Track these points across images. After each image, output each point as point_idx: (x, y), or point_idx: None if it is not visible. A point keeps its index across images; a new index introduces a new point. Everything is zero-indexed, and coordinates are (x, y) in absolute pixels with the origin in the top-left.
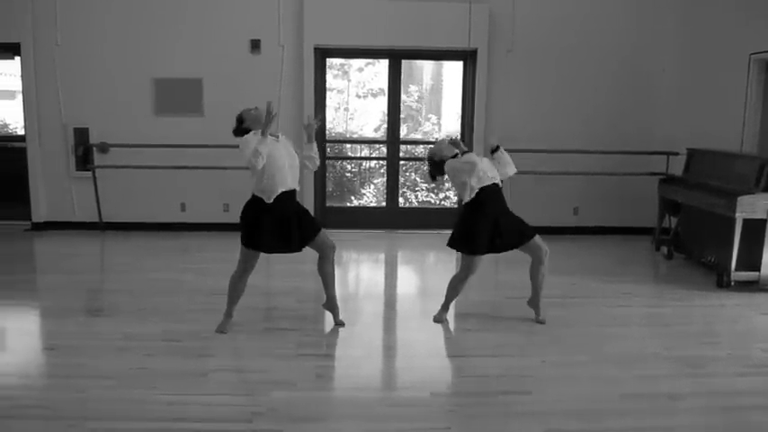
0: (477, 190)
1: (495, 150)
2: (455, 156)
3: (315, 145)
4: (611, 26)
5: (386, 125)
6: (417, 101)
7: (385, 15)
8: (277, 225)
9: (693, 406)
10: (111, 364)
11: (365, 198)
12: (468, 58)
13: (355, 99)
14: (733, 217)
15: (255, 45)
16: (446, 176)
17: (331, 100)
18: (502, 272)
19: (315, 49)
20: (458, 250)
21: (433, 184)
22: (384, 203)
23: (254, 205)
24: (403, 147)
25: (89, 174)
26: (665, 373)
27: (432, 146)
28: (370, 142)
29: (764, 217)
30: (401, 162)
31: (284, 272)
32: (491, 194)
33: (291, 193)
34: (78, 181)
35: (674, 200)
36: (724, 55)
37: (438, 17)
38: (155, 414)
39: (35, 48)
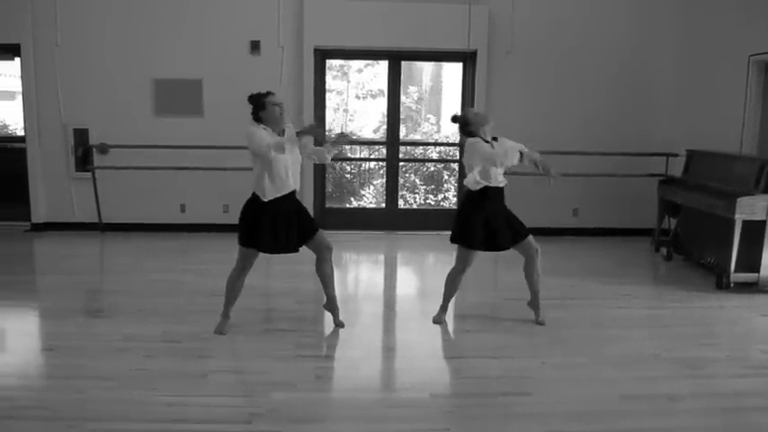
0: (482, 185)
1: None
2: (484, 136)
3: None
4: (611, 28)
5: (385, 126)
6: (417, 101)
7: (384, 17)
8: (275, 224)
9: (693, 407)
10: (110, 365)
11: (365, 199)
12: (467, 59)
13: (355, 100)
14: (732, 218)
15: (255, 46)
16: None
17: (330, 101)
18: (501, 273)
19: (314, 50)
20: (453, 242)
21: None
22: (383, 205)
23: (254, 204)
24: (402, 148)
25: (89, 174)
26: (664, 374)
27: (470, 112)
28: (369, 143)
29: (764, 218)
30: (401, 163)
31: (283, 273)
32: (494, 194)
33: (291, 193)
34: (78, 182)
35: (674, 201)
36: (723, 56)
37: (437, 18)
38: (154, 415)
39: (35, 48)
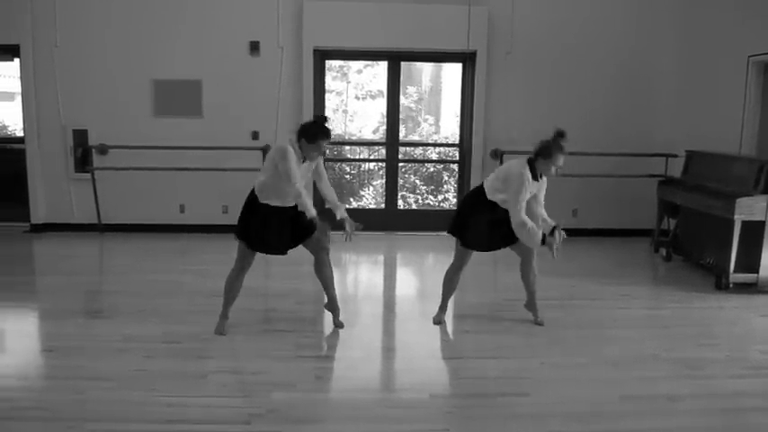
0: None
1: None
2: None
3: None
4: (610, 28)
5: (385, 127)
6: (417, 102)
7: (384, 17)
8: (265, 225)
9: (692, 407)
10: (110, 365)
11: (364, 200)
12: (467, 60)
13: (354, 101)
14: (731, 219)
15: (255, 47)
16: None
17: (330, 102)
18: (500, 274)
19: (314, 50)
20: (452, 234)
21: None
22: (383, 205)
23: (252, 201)
24: (402, 148)
25: (88, 175)
26: (663, 374)
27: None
28: (369, 144)
29: (763, 219)
30: (400, 164)
31: (283, 274)
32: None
33: (287, 207)
34: (77, 182)
35: (673, 202)
36: (722, 57)
37: (437, 19)
38: (154, 416)
39: (34, 49)
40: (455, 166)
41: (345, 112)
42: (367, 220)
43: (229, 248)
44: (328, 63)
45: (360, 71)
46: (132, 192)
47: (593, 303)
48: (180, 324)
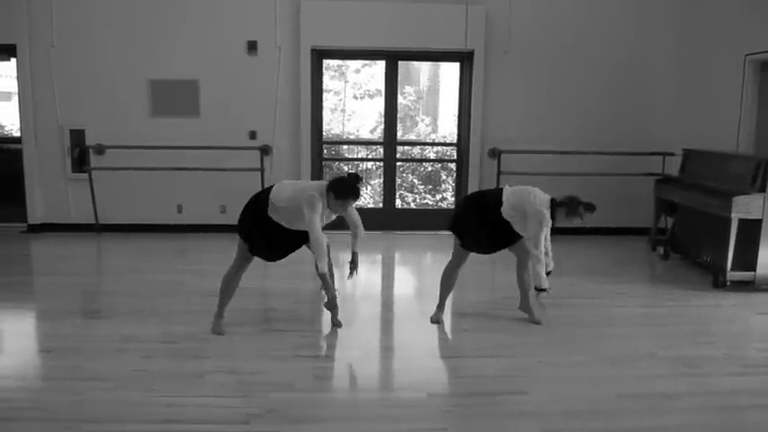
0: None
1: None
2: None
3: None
4: (608, 28)
5: (382, 126)
6: (416, 101)
7: (382, 17)
8: (269, 236)
9: (690, 406)
10: (107, 365)
11: (362, 199)
12: (464, 59)
13: (352, 100)
14: (729, 217)
15: (252, 46)
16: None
17: (328, 101)
18: (498, 272)
19: (311, 50)
20: (451, 231)
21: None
22: (381, 205)
23: (260, 208)
24: (400, 148)
25: (85, 175)
26: (661, 372)
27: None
28: (366, 143)
29: (760, 217)
30: (398, 163)
31: (281, 273)
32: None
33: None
34: (74, 183)
35: (671, 200)
36: (719, 56)
37: (435, 19)
38: (152, 416)
39: (31, 49)
40: (453, 166)
41: (343, 111)
42: (365, 220)
43: (227, 248)
44: (326, 62)
45: (358, 71)
46: (129, 192)
47: (590, 302)
48: (178, 324)
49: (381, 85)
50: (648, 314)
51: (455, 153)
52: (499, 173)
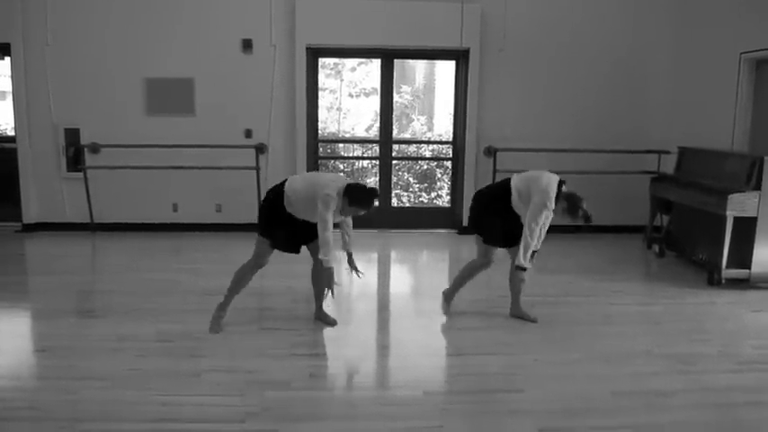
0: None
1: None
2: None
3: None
4: (604, 25)
5: (378, 125)
6: (412, 100)
7: (377, 15)
8: (289, 228)
9: (685, 403)
10: (103, 365)
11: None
12: (460, 57)
13: (348, 99)
14: (724, 215)
15: (247, 45)
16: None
17: (323, 99)
18: (495, 271)
19: (307, 48)
20: (471, 229)
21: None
22: (376, 203)
23: (277, 202)
24: (395, 146)
25: (80, 174)
26: (656, 370)
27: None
28: (362, 142)
29: (755, 215)
30: (393, 162)
31: (278, 272)
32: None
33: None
34: (69, 182)
35: (666, 198)
36: (715, 54)
37: (430, 17)
38: (148, 415)
39: (25, 48)
40: (448, 164)
41: (339, 109)
42: (361, 217)
43: (223, 247)
44: (322, 61)
45: (353, 69)
46: (125, 191)
47: (586, 300)
48: (173, 323)
49: (377, 84)
50: (644, 312)
51: (451, 151)
52: (495, 171)
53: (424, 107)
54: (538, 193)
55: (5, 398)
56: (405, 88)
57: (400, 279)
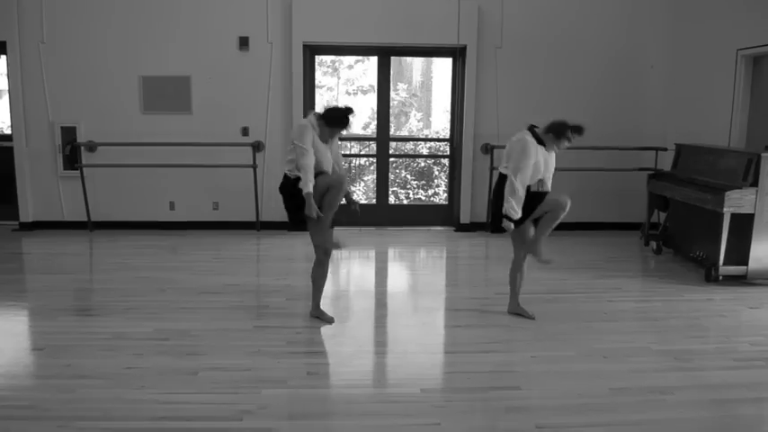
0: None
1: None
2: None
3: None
4: (601, 22)
5: (375, 122)
6: (410, 97)
7: (374, 12)
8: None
9: (682, 399)
10: (100, 363)
11: (355, 195)
12: (457, 54)
13: (345, 96)
14: (721, 212)
15: (244, 42)
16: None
17: (321, 97)
18: (491, 268)
19: (304, 46)
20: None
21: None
22: (374, 200)
23: (295, 188)
24: (393, 144)
25: (77, 173)
26: (653, 366)
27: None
28: (359, 139)
29: (752, 212)
30: (391, 159)
31: (274, 270)
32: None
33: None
34: (66, 180)
35: (663, 195)
36: (712, 51)
37: (427, 14)
38: (144, 413)
39: (21, 46)
40: (446, 161)
41: None
42: (358, 216)
43: (219, 245)
44: (319, 58)
45: (351, 66)
46: (122, 189)
47: (583, 297)
48: (170, 321)
49: (374, 81)
50: (641, 309)
51: (448, 149)
52: (492, 168)
53: (421, 105)
54: (516, 143)
55: (3, 397)
56: (402, 86)
57: (398, 276)
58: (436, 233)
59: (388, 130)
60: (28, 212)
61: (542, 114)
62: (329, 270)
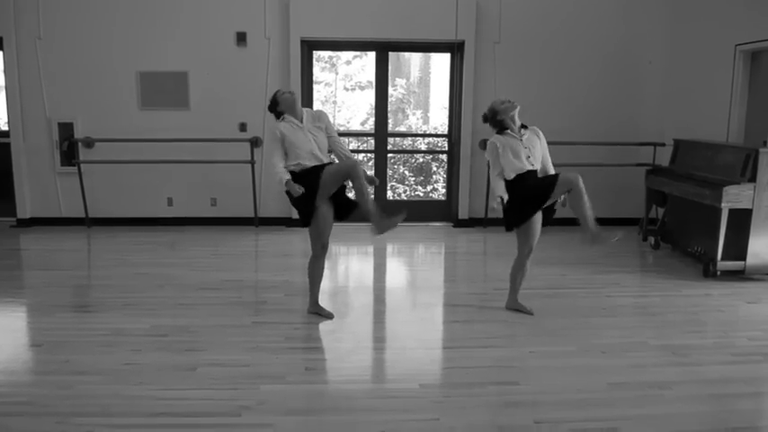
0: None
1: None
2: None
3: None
4: (599, 18)
5: (374, 118)
6: (407, 93)
7: (372, 7)
8: (309, 193)
9: (680, 394)
10: (98, 359)
11: (353, 191)
12: (455, 49)
13: (343, 92)
14: (719, 207)
15: (241, 38)
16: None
17: (318, 93)
18: (490, 264)
19: (301, 41)
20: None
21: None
22: (373, 196)
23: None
24: (391, 139)
25: (74, 169)
26: (652, 362)
27: (496, 102)
28: (358, 135)
29: (750, 207)
30: (389, 155)
31: (273, 266)
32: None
33: (314, 168)
34: (63, 176)
35: (661, 190)
36: (710, 46)
37: (425, 9)
38: (143, 409)
39: (18, 42)
40: (444, 157)
41: (334, 103)
42: (356, 213)
43: (217, 241)
44: (317, 54)
45: (349, 62)
46: (119, 185)
47: (581, 292)
48: (168, 317)
49: (372, 77)
50: (639, 304)
51: (446, 144)
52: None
53: (419, 100)
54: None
55: (1, 393)
56: (399, 81)
57: (396, 272)
58: (434, 229)
59: (387, 126)
60: (25, 209)
61: (540, 109)
62: (326, 266)
